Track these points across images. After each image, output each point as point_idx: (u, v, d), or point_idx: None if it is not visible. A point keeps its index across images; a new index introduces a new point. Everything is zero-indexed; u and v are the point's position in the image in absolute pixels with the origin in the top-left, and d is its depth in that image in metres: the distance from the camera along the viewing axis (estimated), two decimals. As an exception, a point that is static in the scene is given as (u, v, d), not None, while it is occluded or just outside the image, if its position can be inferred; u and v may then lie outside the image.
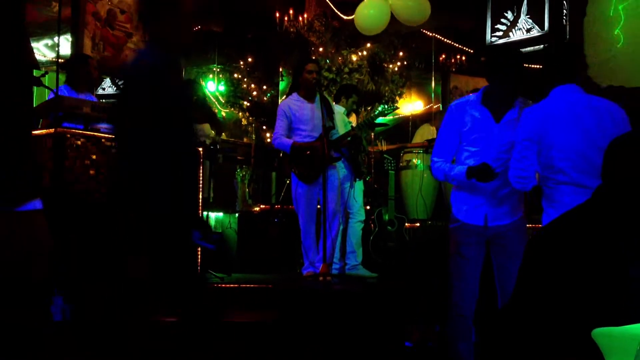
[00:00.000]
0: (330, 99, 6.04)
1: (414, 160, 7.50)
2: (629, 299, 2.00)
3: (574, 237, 2.16)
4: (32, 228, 3.07)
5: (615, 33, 6.68)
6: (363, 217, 6.28)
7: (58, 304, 4.20)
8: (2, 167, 1.85)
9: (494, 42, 7.95)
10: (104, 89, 8.84)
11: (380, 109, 6.01)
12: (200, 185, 5.39)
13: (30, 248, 3.08)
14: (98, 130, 4.88)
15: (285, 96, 6.06)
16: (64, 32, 7.56)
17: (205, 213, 6.36)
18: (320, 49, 9.58)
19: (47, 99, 5.16)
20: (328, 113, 5.68)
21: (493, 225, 3.69)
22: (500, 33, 7.94)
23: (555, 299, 2.09)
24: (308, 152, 5.66)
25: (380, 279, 6.07)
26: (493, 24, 8.03)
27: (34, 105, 5.42)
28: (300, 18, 9.49)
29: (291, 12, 9.44)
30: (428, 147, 7.59)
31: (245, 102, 10.31)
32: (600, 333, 1.85)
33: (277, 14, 9.33)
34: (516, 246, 3.60)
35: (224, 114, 10.76)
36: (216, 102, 10.79)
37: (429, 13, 7.98)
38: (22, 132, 1.92)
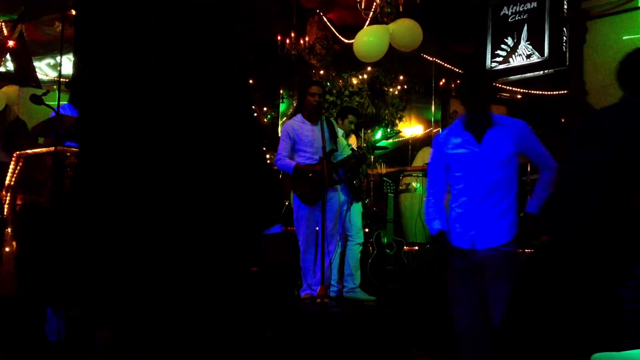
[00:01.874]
0: (334, 122, 6.06)
1: (413, 184, 7.50)
2: (622, 320, 2.01)
3: (568, 257, 2.16)
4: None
5: (614, 59, 6.72)
6: (362, 240, 6.27)
7: (53, 323, 4.18)
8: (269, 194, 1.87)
9: (494, 67, 8.00)
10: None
11: (382, 132, 6.04)
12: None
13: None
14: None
15: (287, 117, 6.09)
16: (67, 52, 7.60)
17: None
18: (321, 72, 9.63)
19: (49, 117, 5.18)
20: (331, 136, 5.70)
21: (481, 248, 3.63)
22: (501, 59, 7.98)
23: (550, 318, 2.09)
24: (310, 175, 5.66)
25: (378, 302, 6.04)
26: (493, 49, 8.08)
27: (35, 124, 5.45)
28: (302, 41, 9.55)
29: (293, 35, 9.50)
30: (427, 170, 7.59)
31: (245, 124, 10.32)
32: (600, 358, 1.84)
33: (279, 37, 9.39)
34: (504, 271, 3.57)
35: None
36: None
37: (421, 39, 8.05)
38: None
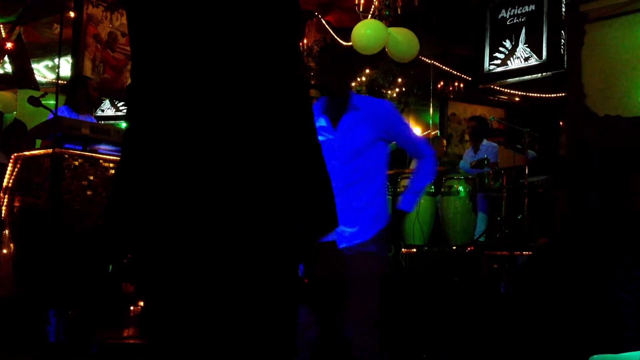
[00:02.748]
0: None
1: (412, 186, 7.49)
2: (619, 320, 2.01)
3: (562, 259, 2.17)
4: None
5: (612, 63, 6.73)
6: None
7: (53, 324, 4.18)
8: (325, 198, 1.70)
9: (492, 70, 8.02)
10: (103, 110, 8.88)
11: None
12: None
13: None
14: (97, 152, 4.90)
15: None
16: (65, 54, 7.60)
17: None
18: (319, 74, 9.63)
19: (47, 119, 5.18)
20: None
21: (343, 247, 3.14)
22: (499, 61, 8.00)
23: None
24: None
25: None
26: (491, 52, 8.10)
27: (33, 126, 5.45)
28: (300, 43, 9.56)
29: (291, 37, 9.50)
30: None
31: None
32: None
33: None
34: (357, 275, 3.07)
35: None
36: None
37: (417, 50, 8.06)
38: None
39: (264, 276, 1.52)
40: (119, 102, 10.70)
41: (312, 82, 7.89)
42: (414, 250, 6.93)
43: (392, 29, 7.98)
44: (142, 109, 1.55)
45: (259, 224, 1.47)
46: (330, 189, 1.65)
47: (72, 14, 7.56)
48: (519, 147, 6.83)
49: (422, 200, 7.23)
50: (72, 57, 7.62)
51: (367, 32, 8.07)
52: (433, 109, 10.80)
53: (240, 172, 1.46)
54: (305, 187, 1.55)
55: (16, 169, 4.85)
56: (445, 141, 9.27)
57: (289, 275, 1.58)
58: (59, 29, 8.01)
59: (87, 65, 7.49)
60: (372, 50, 8.37)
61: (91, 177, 4.78)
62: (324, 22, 9.60)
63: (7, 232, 4.81)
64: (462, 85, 10.89)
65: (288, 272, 1.58)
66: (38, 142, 5.52)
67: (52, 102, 5.36)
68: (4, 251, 4.79)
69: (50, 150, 4.69)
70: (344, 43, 9.32)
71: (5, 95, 9.80)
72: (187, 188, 1.45)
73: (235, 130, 1.47)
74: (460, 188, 7.20)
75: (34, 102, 4.93)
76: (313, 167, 1.62)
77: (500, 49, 8.00)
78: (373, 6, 8.42)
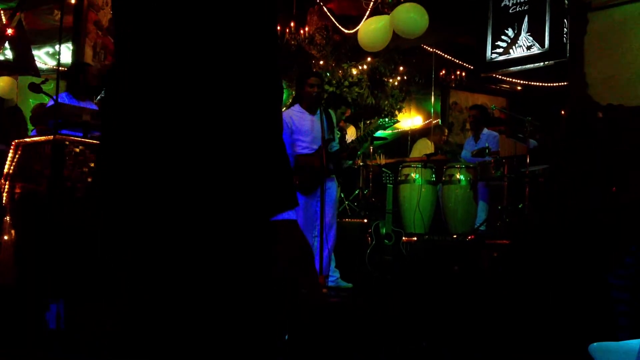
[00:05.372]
0: (332, 113, 6.06)
1: (412, 175, 7.50)
2: (611, 307, 2.01)
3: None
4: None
5: (615, 52, 6.70)
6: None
7: (53, 311, 4.19)
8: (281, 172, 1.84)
9: (495, 58, 7.98)
10: (104, 97, 8.86)
11: (380, 122, 6.03)
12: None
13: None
14: (97, 138, 4.89)
15: (286, 107, 6.09)
16: (66, 41, 7.58)
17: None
18: (321, 62, 9.61)
19: (47, 106, 5.17)
20: (329, 126, 5.70)
21: None
22: (501, 50, 7.97)
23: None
24: (308, 164, 5.67)
25: (375, 293, 6.05)
26: (494, 40, 8.06)
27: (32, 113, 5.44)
28: (302, 31, 9.53)
29: (292, 25, 9.48)
30: (427, 161, 7.60)
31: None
32: (597, 348, 1.84)
33: (279, 27, 9.35)
34: None
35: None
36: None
37: (427, 25, 7.97)
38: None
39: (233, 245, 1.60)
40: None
41: (341, 96, 7.83)
42: (415, 238, 6.93)
43: (397, 9, 7.88)
44: (119, 98, 1.62)
45: (226, 197, 1.56)
46: (290, 175, 1.79)
47: (72, 1, 7.53)
48: (521, 136, 6.81)
49: (423, 189, 7.23)
50: (72, 44, 7.60)
51: (373, 28, 7.99)
52: (435, 97, 10.78)
53: (209, 156, 1.52)
54: (266, 170, 1.66)
55: (17, 156, 4.85)
56: (446, 130, 9.26)
57: (258, 248, 1.66)
58: (59, 15, 7.98)
59: (88, 52, 7.47)
60: (379, 46, 8.32)
61: (92, 164, 4.77)
62: (325, 9, 9.56)
63: (7, 218, 4.81)
64: (464, 73, 10.86)
65: (256, 245, 1.66)
66: (31, 128, 5.50)
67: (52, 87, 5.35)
68: (5, 237, 4.79)
69: (50, 137, 4.69)
70: (346, 31, 9.29)
71: (7, 79, 9.77)
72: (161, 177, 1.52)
73: (207, 123, 1.54)
74: (461, 177, 7.20)
75: (35, 88, 4.92)
76: (275, 154, 1.72)
77: (503, 37, 7.96)
78: (375, -6, 8.39)
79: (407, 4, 7.87)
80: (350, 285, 6.09)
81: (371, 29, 8.03)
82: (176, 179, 1.54)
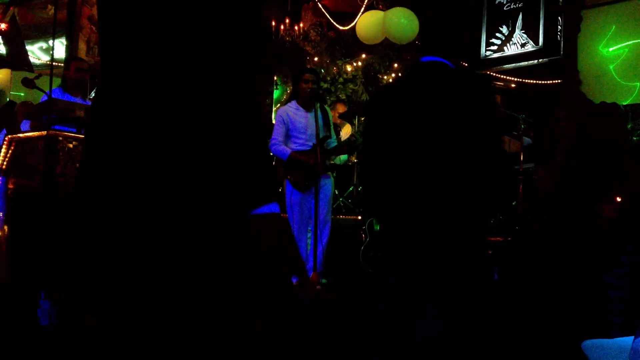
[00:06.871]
0: (328, 110, 6.06)
1: (407, 172, 7.49)
2: (608, 307, 2.02)
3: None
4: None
5: (608, 50, 6.72)
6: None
7: (45, 307, 4.17)
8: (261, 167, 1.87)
9: (489, 55, 7.99)
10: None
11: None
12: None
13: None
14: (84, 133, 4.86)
15: (282, 104, 6.09)
16: (59, 36, 7.56)
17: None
18: (316, 59, 9.60)
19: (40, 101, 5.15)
20: (325, 123, 5.70)
21: None
22: (495, 47, 7.98)
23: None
24: (304, 161, 5.66)
25: (369, 290, 6.05)
26: (488, 37, 8.08)
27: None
28: (296, 27, 9.51)
29: (287, 21, 9.46)
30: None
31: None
32: (590, 345, 1.85)
33: (273, 23, 9.35)
34: None
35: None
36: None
37: (418, 30, 7.99)
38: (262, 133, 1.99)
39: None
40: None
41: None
42: (409, 235, 6.93)
43: (389, 11, 7.92)
44: (110, 96, 1.65)
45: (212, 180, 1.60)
46: (270, 168, 1.86)
47: (66, -5, 7.51)
48: (515, 133, 6.82)
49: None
50: (66, 39, 7.57)
51: (371, 21, 7.98)
52: (429, 94, 10.77)
53: (189, 151, 1.56)
54: (245, 163, 1.69)
55: (10, 151, 4.83)
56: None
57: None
58: (53, 10, 7.95)
59: (82, 47, 7.45)
60: (376, 39, 8.31)
61: (85, 160, 4.75)
62: (320, 6, 9.55)
63: (0, 214, 4.79)
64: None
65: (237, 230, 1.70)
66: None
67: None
68: (-2, 233, 4.78)
69: (44, 132, 4.67)
70: (341, 27, 9.28)
71: (0, 74, 9.73)
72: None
73: (187, 118, 1.57)
74: (455, 174, 7.20)
75: (28, 83, 4.90)
76: (253, 147, 1.75)
77: (497, 34, 7.98)
78: (370, -10, 8.39)
79: (398, 9, 7.88)
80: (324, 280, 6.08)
81: (371, 21, 8.02)
82: (156, 174, 1.57)
